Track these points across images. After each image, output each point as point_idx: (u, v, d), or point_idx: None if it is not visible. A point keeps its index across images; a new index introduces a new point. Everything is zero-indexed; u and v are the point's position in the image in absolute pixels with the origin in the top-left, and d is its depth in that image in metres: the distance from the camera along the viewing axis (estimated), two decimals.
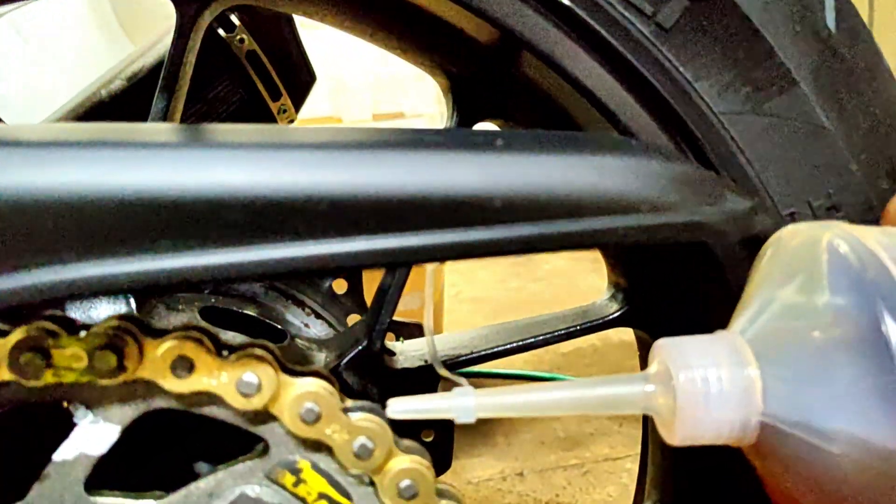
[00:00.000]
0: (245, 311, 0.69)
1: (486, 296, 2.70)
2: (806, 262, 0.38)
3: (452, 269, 2.79)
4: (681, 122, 0.50)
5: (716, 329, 0.40)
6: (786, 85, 0.50)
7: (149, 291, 0.54)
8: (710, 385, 0.37)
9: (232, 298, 0.71)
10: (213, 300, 0.68)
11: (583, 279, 2.78)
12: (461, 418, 0.39)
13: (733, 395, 0.37)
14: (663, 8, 0.48)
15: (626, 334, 0.73)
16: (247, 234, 0.36)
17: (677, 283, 0.57)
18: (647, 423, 0.74)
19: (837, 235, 0.37)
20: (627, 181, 0.39)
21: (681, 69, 0.50)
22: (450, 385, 0.44)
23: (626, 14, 0.48)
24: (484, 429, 1.86)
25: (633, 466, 1.68)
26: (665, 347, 0.39)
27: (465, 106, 0.61)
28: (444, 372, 0.45)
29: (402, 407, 0.40)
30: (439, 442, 0.83)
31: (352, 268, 0.37)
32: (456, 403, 0.39)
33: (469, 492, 1.65)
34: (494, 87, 0.61)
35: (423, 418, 0.40)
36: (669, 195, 0.39)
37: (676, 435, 0.38)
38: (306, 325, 0.76)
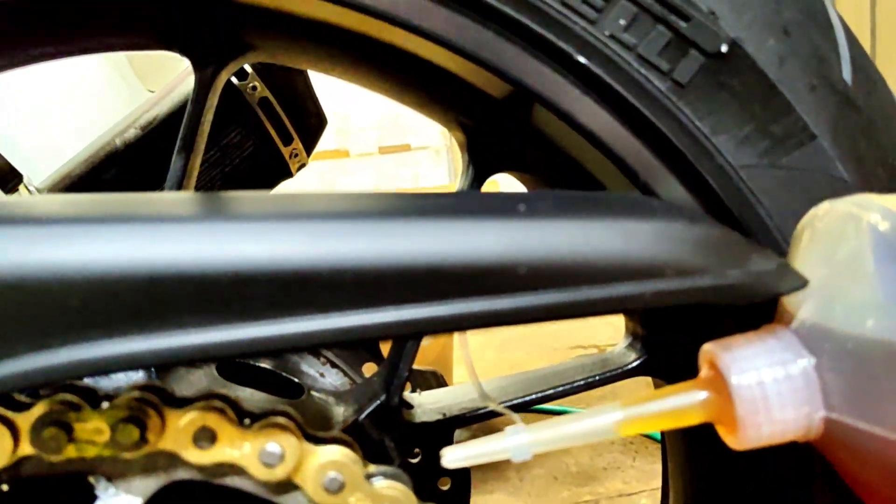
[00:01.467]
0: (261, 365, 0.68)
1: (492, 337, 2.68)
2: (847, 244, 0.37)
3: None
4: (699, 176, 0.50)
5: None
6: (804, 138, 0.50)
7: (172, 366, 0.54)
8: (767, 388, 0.36)
9: None
10: None
11: None
12: (517, 457, 0.39)
13: (793, 394, 0.36)
14: (679, 65, 0.48)
15: None
16: (271, 308, 0.36)
17: (697, 333, 0.56)
18: (666, 455, 0.73)
19: (875, 213, 0.36)
20: (653, 245, 0.39)
21: (698, 124, 0.50)
22: (470, 433, 0.44)
23: (643, 71, 0.48)
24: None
25: (648, 502, 1.66)
26: (714, 351, 0.38)
27: (482, 159, 0.61)
28: (495, 407, 0.44)
29: (459, 455, 0.39)
30: (457, 488, 0.82)
31: (376, 339, 0.37)
32: (511, 444, 0.39)
33: None
34: (510, 140, 0.61)
35: (478, 463, 0.39)
36: (695, 258, 0.39)
37: (739, 441, 0.37)
38: (321, 375, 0.75)
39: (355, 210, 0.39)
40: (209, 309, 0.35)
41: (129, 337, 0.35)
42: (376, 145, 3.13)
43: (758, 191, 0.50)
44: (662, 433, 0.74)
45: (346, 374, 0.76)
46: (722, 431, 0.39)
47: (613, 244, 0.39)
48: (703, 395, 0.39)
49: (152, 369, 0.50)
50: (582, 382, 0.63)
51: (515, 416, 0.42)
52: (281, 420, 0.42)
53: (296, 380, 0.67)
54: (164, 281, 0.35)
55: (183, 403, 0.41)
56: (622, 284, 0.38)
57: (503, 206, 0.41)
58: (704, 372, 0.40)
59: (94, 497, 0.42)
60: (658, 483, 0.75)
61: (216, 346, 0.35)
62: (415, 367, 0.80)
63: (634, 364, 0.63)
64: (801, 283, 0.41)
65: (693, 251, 0.39)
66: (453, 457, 0.40)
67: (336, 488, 0.42)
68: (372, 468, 0.44)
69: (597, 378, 0.63)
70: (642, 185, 0.52)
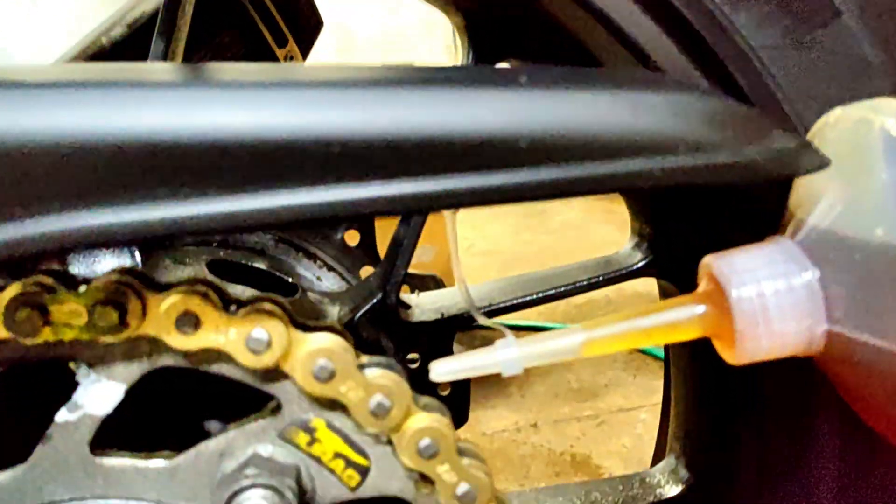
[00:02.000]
0: (254, 265, 0.66)
1: (498, 248, 2.67)
2: (859, 151, 0.35)
3: (464, 221, 2.76)
4: (716, 59, 0.47)
5: None
6: (829, 16, 0.47)
7: (150, 242, 0.51)
8: (767, 299, 0.35)
9: (240, 251, 0.69)
10: (221, 253, 0.66)
11: (596, 231, 2.75)
12: (508, 372, 0.38)
13: (794, 307, 0.35)
14: None
15: (642, 286, 0.70)
16: (253, 179, 0.33)
17: (708, 229, 0.54)
18: (669, 373, 0.72)
19: (890, 117, 0.34)
20: (664, 119, 0.36)
21: (716, 0, 0.46)
22: (470, 339, 0.42)
23: None
24: (498, 380, 1.85)
25: (648, 417, 1.68)
26: (714, 264, 0.37)
27: (481, 45, 0.58)
28: (483, 320, 0.43)
29: (447, 368, 0.38)
30: (456, 395, 0.81)
31: (367, 215, 0.34)
32: (501, 357, 0.38)
33: (483, 443, 1.65)
34: (511, 24, 0.57)
35: (467, 377, 0.38)
36: (710, 133, 0.36)
37: (737, 355, 0.36)
38: (318, 279, 0.73)
39: (344, 79, 0.36)
40: (187, 180, 0.33)
41: (100, 209, 0.32)
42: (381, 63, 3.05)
43: (779, 74, 0.47)
44: (666, 348, 0.73)
45: (343, 278, 0.75)
46: (720, 346, 0.38)
47: (622, 117, 0.36)
48: (700, 308, 0.37)
49: (138, 260, 0.48)
50: (585, 283, 0.61)
51: (506, 330, 0.41)
52: (268, 306, 0.40)
53: (290, 280, 0.65)
54: (137, 149, 0.32)
55: (165, 288, 0.39)
56: (631, 160, 0.35)
57: (504, 78, 0.37)
58: (703, 285, 0.39)
59: (76, 384, 0.41)
60: (658, 399, 0.74)
61: (194, 220, 0.33)
62: (414, 271, 0.78)
63: (640, 265, 0.61)
64: (824, 163, 0.38)
65: (708, 126, 0.36)
66: (442, 370, 0.39)
67: (326, 377, 0.40)
68: (365, 359, 0.43)
69: (600, 279, 0.61)
70: (653, 69, 0.49)
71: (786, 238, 0.38)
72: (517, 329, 2.06)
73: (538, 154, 0.35)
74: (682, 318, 0.38)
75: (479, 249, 2.68)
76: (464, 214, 2.23)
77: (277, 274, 0.66)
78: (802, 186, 0.39)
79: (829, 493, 0.56)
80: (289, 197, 0.33)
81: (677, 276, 0.62)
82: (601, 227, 2.75)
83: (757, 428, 0.58)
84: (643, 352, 1.92)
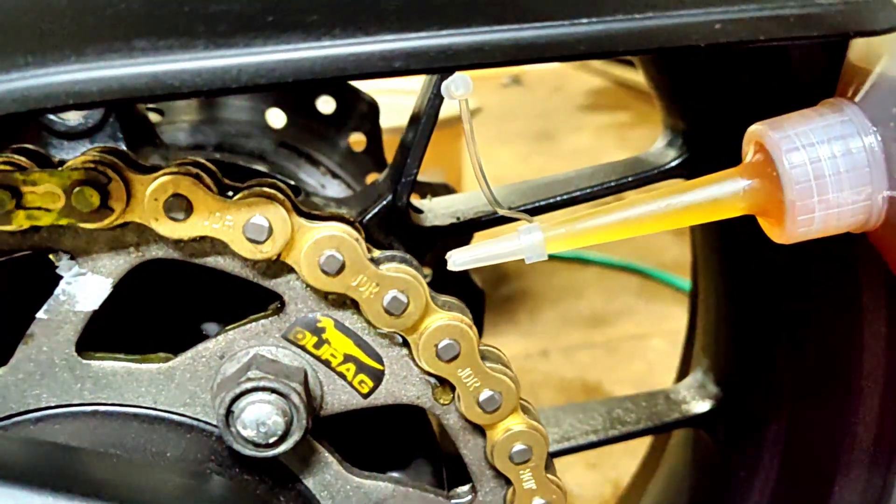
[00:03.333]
0: (254, 167, 0.62)
1: (508, 174, 2.61)
2: None
3: None
4: None
5: None
6: None
7: (125, 103, 0.47)
8: (822, 166, 0.31)
9: (238, 155, 0.64)
10: (217, 155, 0.62)
11: (608, 157, 2.68)
12: (532, 258, 0.35)
13: (853, 173, 0.32)
14: None
15: None
16: (240, 30, 0.28)
17: (753, 117, 0.49)
18: (696, 279, 0.68)
19: None
20: None
21: None
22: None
23: None
24: (507, 306, 1.83)
25: (659, 344, 1.65)
26: (761, 129, 0.33)
27: None
28: (504, 211, 0.39)
29: (467, 257, 0.36)
30: (470, 311, 0.78)
31: (376, 74, 0.30)
32: (525, 242, 0.35)
33: None
34: None
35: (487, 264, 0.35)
36: None
37: (787, 232, 0.32)
38: (322, 186, 0.69)
39: None
40: (165, 31, 0.28)
41: (67, 65, 0.28)
42: None
43: None
44: (693, 250, 0.68)
45: (348, 185, 0.70)
46: (766, 224, 0.35)
47: None
48: (744, 182, 0.34)
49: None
50: (613, 184, 0.56)
51: (527, 216, 0.37)
52: (269, 191, 0.36)
53: (292, 183, 0.61)
54: None
55: (152, 170, 0.35)
56: (682, 11, 0.30)
57: None
58: (749, 157, 0.35)
59: (58, 277, 0.37)
60: (670, 326, 0.70)
61: (173, 76, 0.28)
62: (425, 179, 0.73)
63: (673, 163, 0.56)
64: None
65: None
66: (461, 259, 0.36)
67: (335, 270, 0.36)
68: (377, 253, 0.38)
69: (629, 179, 0.56)
70: None
71: (845, 99, 0.34)
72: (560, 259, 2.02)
73: (573, 5, 0.30)
74: (726, 193, 0.34)
75: (488, 175, 2.62)
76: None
77: (278, 177, 0.61)
78: (859, 46, 0.34)
79: (873, 406, 0.52)
80: (284, 52, 0.29)
81: None
82: (614, 153, 2.68)
83: (796, 336, 0.54)
84: (655, 278, 1.89)
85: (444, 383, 0.40)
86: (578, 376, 1.63)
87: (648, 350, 1.67)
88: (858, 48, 0.35)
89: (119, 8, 0.29)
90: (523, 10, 0.30)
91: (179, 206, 0.34)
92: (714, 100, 0.54)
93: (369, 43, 0.29)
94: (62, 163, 0.35)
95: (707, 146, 0.55)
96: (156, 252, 0.37)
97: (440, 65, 0.30)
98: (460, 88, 0.34)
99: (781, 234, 0.33)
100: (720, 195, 0.34)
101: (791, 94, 0.47)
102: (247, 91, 0.49)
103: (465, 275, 0.75)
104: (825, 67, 0.45)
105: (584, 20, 0.30)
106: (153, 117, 0.65)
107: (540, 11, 0.30)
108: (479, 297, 0.76)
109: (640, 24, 0.30)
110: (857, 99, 0.33)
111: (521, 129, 2.97)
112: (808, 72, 0.46)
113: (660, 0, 0.31)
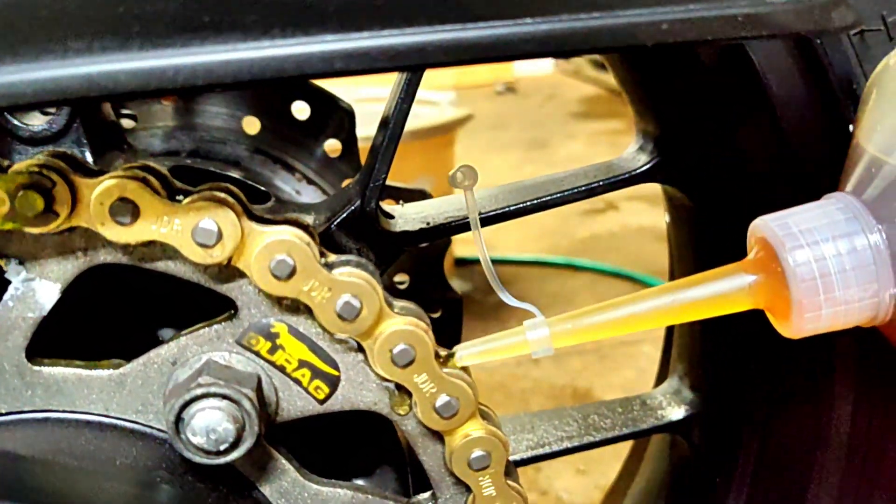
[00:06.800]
0: (227, 174, 0.61)
1: (501, 182, 2.61)
2: None
3: (463, 156, 2.69)
4: None
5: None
6: None
7: (59, 105, 0.46)
8: (828, 264, 0.31)
9: (211, 161, 0.64)
10: (188, 161, 0.61)
11: None
12: (538, 353, 0.36)
13: (859, 271, 0.31)
14: None
15: (646, 219, 0.65)
16: (177, 31, 0.28)
17: (722, 123, 0.48)
18: None
19: None
20: None
21: None
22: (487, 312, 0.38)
23: None
24: (499, 313, 1.82)
25: (650, 350, 1.64)
26: (765, 226, 0.33)
27: None
28: (514, 303, 0.40)
29: (473, 351, 0.38)
30: (447, 318, 0.77)
31: (317, 74, 0.29)
32: (531, 338, 0.36)
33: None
34: None
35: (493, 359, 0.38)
36: None
37: (794, 328, 0.32)
38: (297, 192, 0.68)
39: None
40: (114, 30, 0.28)
41: (24, 64, 0.27)
42: None
43: None
44: (670, 256, 0.68)
45: (323, 191, 0.70)
46: (774, 319, 0.34)
47: None
48: (749, 278, 0.34)
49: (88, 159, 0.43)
50: (584, 188, 0.56)
51: (534, 308, 0.38)
52: (219, 195, 0.35)
53: (263, 189, 0.60)
54: None
55: (97, 174, 0.34)
56: (635, 10, 0.30)
57: None
58: (754, 253, 0.35)
59: (6, 282, 0.36)
60: (660, 332, 0.70)
61: (124, 75, 0.28)
62: (403, 185, 0.73)
63: (645, 168, 0.56)
64: (857, 22, 0.32)
65: None
66: (466, 354, 0.38)
67: (286, 274, 0.36)
68: (332, 257, 0.38)
69: (600, 184, 0.56)
70: None
71: (845, 194, 0.33)
72: (515, 264, 2.02)
73: (535, 3, 0.30)
74: (730, 290, 0.34)
75: (480, 183, 2.62)
76: (462, 148, 2.16)
77: (250, 183, 0.61)
78: (864, 134, 0.34)
79: (846, 411, 0.52)
80: (240, 51, 0.28)
81: (686, 182, 0.57)
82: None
83: (770, 341, 0.54)
84: (646, 284, 1.88)
85: (402, 389, 0.39)
86: (569, 383, 1.63)
87: (639, 356, 1.67)
88: (860, 141, 0.35)
89: (54, 9, 0.28)
90: (467, 9, 0.30)
91: (125, 210, 0.34)
92: (685, 104, 0.53)
93: (309, 43, 0.29)
94: (6, 168, 0.34)
95: (678, 151, 0.55)
96: (104, 257, 0.36)
97: (382, 65, 0.29)
98: (467, 179, 0.35)
99: (789, 328, 0.33)
100: (726, 290, 0.34)
101: (760, 99, 0.47)
102: (183, 94, 0.49)
103: (442, 281, 0.74)
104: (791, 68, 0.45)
105: (529, 20, 0.30)
106: (126, 123, 0.65)
107: (484, 11, 0.30)
108: (458, 304, 0.75)
109: (585, 23, 0.30)
110: (861, 195, 0.33)
111: (514, 137, 2.97)
112: (776, 74, 0.46)
113: (607, 0, 0.30)
